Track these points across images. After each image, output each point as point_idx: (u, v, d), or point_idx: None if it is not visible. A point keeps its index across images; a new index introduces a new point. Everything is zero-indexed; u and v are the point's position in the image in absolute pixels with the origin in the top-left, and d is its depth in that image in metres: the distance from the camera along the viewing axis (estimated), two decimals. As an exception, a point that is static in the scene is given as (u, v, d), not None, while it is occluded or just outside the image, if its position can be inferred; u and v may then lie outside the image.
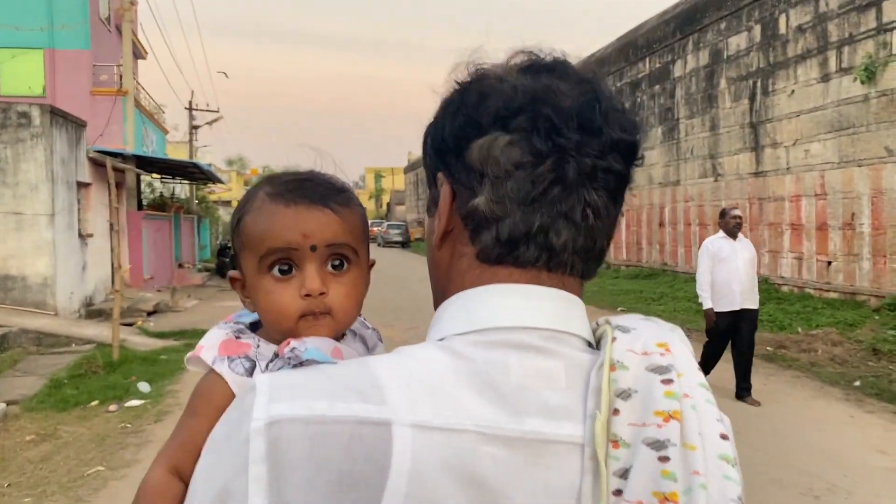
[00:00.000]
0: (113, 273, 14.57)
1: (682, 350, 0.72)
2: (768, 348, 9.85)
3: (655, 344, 0.71)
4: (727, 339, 7.60)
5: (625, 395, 0.67)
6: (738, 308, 7.48)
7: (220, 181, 27.94)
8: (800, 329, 10.83)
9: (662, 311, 13.33)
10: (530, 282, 0.74)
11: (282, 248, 0.91)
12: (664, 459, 0.65)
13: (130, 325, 12.91)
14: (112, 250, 10.15)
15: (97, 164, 15.08)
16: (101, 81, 19.19)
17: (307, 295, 0.91)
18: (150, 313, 14.65)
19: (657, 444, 0.65)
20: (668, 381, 0.68)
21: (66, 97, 17.66)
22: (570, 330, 0.73)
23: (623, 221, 19.39)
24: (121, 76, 18.94)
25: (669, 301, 14.58)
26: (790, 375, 8.53)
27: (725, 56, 16.80)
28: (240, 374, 0.92)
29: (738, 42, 16.31)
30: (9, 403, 7.66)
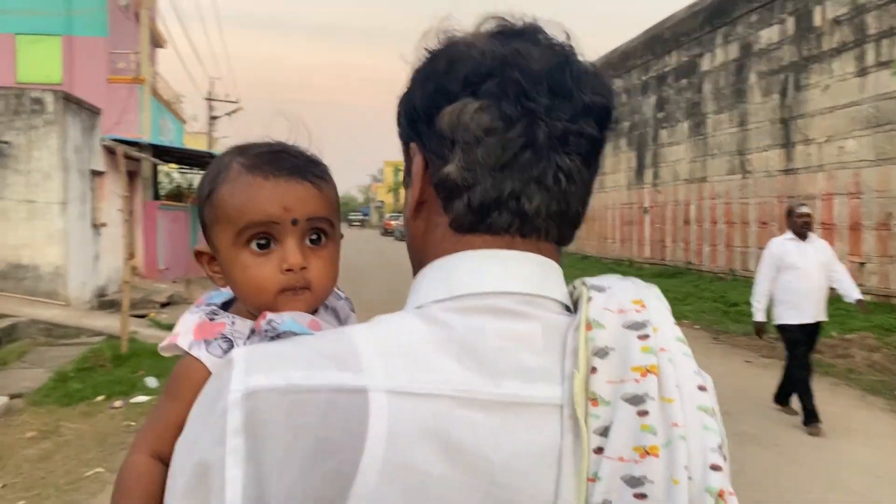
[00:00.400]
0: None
1: (657, 306, 0.72)
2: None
3: (631, 301, 0.71)
4: (808, 351, 6.55)
5: (602, 353, 0.67)
6: (810, 321, 6.38)
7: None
8: (834, 333, 10.36)
9: (689, 312, 12.89)
10: (504, 247, 0.73)
11: (262, 222, 0.89)
12: (643, 414, 0.65)
13: (142, 316, 12.66)
14: (124, 240, 9.81)
15: (112, 153, 14.84)
16: (119, 69, 18.97)
17: (288, 269, 0.90)
18: (163, 305, 14.41)
19: (635, 399, 0.65)
20: (644, 337, 0.68)
21: (83, 85, 17.45)
22: (546, 294, 0.73)
23: (647, 218, 19.13)
24: (138, 64, 18.72)
25: (695, 301, 14.12)
26: (828, 383, 8.09)
27: (756, 49, 16.30)
28: (218, 355, 0.90)
29: (769, 35, 15.81)
30: (13, 397, 7.44)
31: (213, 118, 36.44)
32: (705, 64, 18.53)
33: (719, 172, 17.80)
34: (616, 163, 24.05)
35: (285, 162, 0.92)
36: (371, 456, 0.62)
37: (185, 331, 0.96)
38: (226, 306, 1.00)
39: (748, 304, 13.51)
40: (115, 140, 15.18)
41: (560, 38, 0.76)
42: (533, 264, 0.74)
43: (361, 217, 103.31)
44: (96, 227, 14.44)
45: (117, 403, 7.25)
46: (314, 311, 0.97)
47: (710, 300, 14.10)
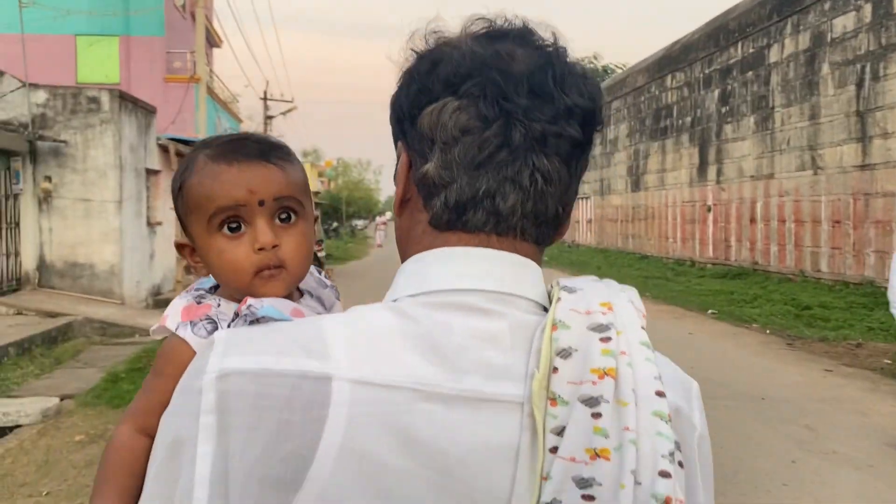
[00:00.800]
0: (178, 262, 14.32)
1: (626, 309, 0.73)
2: (886, 361, 8.74)
3: (599, 303, 0.72)
4: None
5: (565, 353, 0.68)
6: None
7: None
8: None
9: (758, 315, 12.25)
10: (480, 245, 0.75)
11: (230, 206, 0.93)
12: (597, 416, 0.65)
13: (196, 315, 12.59)
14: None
15: (167, 152, 14.86)
16: (175, 69, 19.08)
17: (260, 249, 0.93)
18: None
19: (591, 401, 0.66)
20: (606, 339, 0.69)
21: (139, 84, 17.58)
22: (519, 293, 0.73)
23: (710, 217, 18.44)
24: (194, 63, 18.79)
25: (765, 304, 13.43)
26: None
27: (829, 39, 15.49)
28: (202, 336, 0.93)
29: (844, 23, 14.99)
30: (65, 398, 7.35)
31: (269, 117, 36.67)
32: (773, 55, 17.73)
33: (788, 169, 17.01)
34: (677, 159, 23.31)
35: (248, 148, 0.95)
36: (328, 442, 0.64)
37: (174, 313, 0.98)
38: (214, 290, 1.03)
39: (822, 306, 12.93)
40: (171, 139, 15.20)
41: (549, 39, 0.77)
42: (507, 263, 0.74)
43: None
44: (151, 225, 14.47)
45: (167, 406, 7.08)
46: (300, 297, 1.02)
47: (779, 303, 13.40)
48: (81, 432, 6.36)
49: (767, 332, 11.06)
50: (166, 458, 0.68)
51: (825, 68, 15.66)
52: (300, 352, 0.67)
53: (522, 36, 0.76)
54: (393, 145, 0.83)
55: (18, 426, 6.53)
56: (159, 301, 14.10)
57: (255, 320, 0.85)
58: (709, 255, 21.13)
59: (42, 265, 12.60)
